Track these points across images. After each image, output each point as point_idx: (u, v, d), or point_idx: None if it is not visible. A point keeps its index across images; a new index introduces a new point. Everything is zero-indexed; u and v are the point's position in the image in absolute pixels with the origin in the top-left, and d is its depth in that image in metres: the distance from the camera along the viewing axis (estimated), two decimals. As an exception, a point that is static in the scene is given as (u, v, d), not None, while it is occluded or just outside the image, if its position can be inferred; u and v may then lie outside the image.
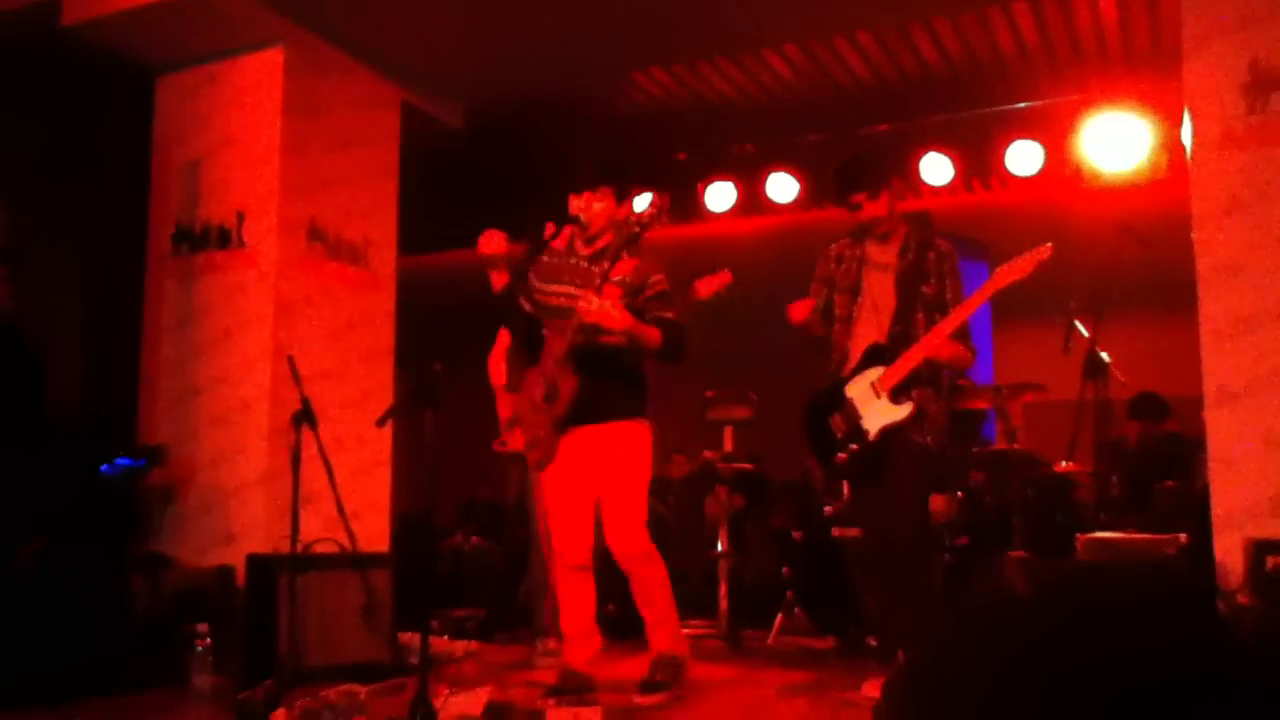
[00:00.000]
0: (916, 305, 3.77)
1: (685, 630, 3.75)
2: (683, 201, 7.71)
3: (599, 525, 3.97)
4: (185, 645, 4.42)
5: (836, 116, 7.52)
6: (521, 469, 5.22)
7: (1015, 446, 5.67)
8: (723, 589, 5.69)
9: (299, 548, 4.31)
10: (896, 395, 3.70)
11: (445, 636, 5.28)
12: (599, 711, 3.55)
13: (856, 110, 7.47)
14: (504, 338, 4.93)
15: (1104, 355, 5.37)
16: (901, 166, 6.98)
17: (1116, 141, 6.77)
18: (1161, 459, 5.72)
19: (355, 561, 4.65)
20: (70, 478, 5.12)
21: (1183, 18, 4.77)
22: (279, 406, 5.24)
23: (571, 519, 3.95)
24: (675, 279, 4.04)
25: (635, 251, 3.85)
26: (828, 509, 5.70)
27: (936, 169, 7.20)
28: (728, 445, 5.99)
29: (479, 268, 4.20)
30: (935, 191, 7.41)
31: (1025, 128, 7.06)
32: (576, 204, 3.92)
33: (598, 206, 3.91)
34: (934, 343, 3.66)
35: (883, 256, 3.90)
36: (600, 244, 3.95)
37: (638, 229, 3.77)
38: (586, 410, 3.85)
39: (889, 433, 3.71)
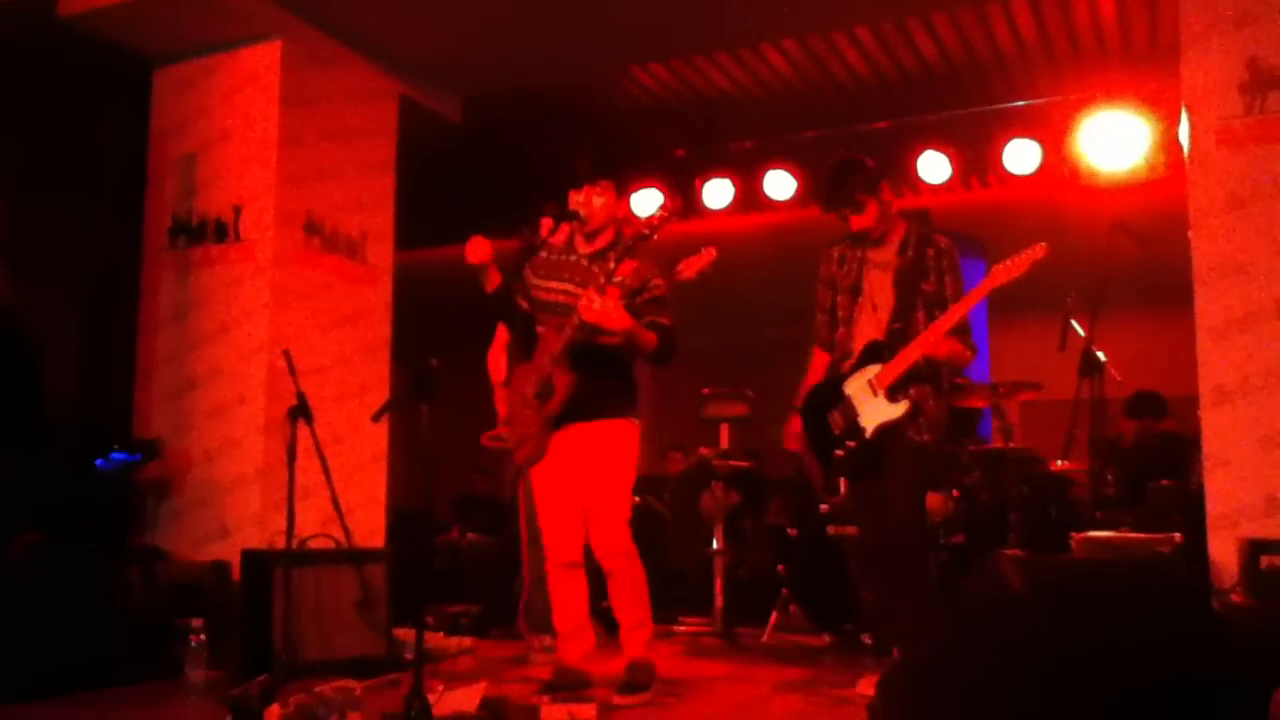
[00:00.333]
0: (916, 302, 3.76)
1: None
2: (680, 198, 7.71)
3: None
4: (180, 639, 4.41)
5: (835, 113, 7.53)
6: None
7: (1011, 444, 5.68)
8: (718, 585, 5.69)
9: (295, 542, 4.31)
10: (893, 393, 3.69)
11: (441, 632, 5.27)
12: (593, 708, 3.56)
13: (855, 107, 7.47)
14: (503, 333, 4.92)
15: (1100, 354, 5.37)
16: (895, 166, 6.98)
17: (1114, 140, 6.78)
18: (1157, 457, 5.73)
19: (351, 556, 4.65)
20: (66, 472, 5.10)
21: (1181, 16, 4.77)
22: (275, 400, 5.23)
23: (561, 516, 3.95)
24: (666, 271, 4.04)
25: (635, 253, 3.84)
26: (824, 506, 5.70)
27: (934, 167, 7.22)
28: (724, 442, 5.99)
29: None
30: (933, 189, 7.42)
31: (1023, 126, 7.09)
32: (577, 199, 3.91)
33: (598, 201, 3.90)
34: (931, 340, 3.65)
35: (882, 255, 3.89)
36: (600, 240, 3.95)
37: (647, 232, 3.77)
38: (578, 408, 3.86)
39: (885, 430, 3.71)
